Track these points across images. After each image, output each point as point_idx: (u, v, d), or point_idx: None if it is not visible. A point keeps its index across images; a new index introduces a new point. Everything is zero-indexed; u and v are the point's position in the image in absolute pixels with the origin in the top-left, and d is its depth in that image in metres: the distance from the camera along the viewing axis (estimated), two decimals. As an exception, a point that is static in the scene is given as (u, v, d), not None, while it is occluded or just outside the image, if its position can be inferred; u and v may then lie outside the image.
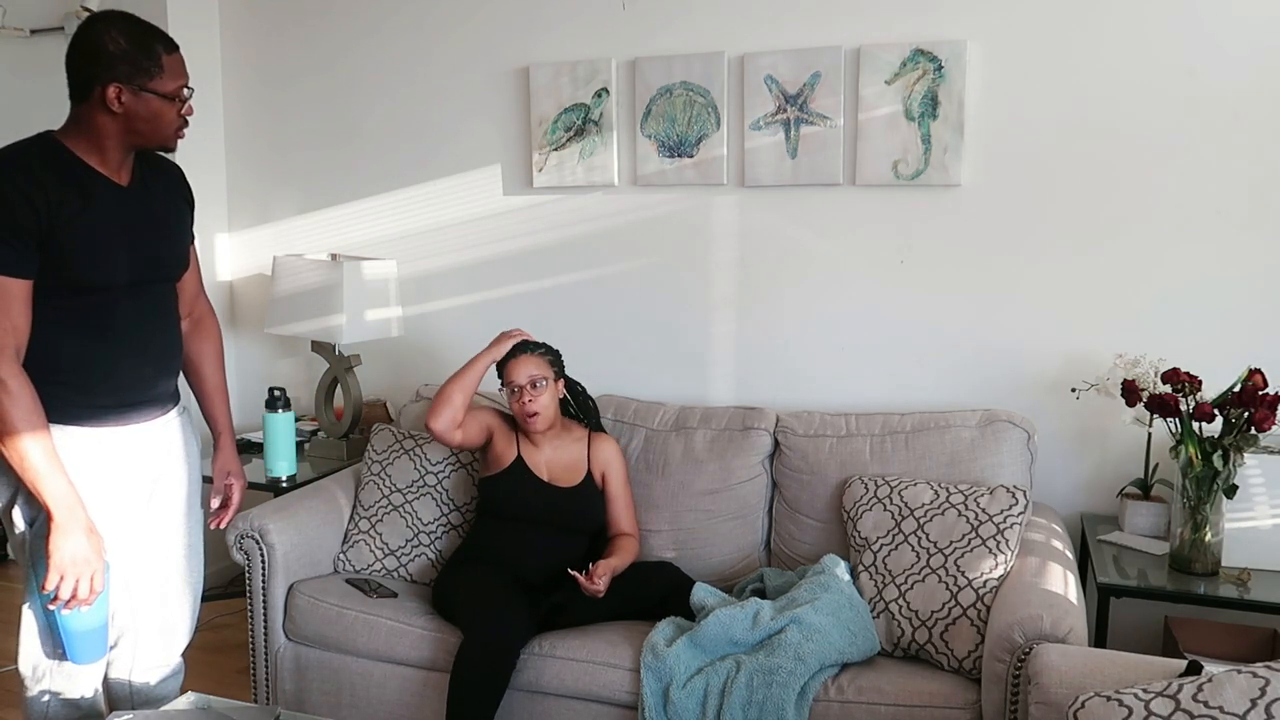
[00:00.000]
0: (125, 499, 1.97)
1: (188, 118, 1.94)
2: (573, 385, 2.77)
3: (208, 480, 2.27)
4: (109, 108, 1.82)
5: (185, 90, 1.91)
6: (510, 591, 2.40)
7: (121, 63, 1.81)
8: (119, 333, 1.92)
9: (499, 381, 2.65)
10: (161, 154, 2.03)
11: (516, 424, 2.67)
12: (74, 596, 1.82)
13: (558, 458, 2.65)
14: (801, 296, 3.00)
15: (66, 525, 1.80)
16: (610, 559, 2.50)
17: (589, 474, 2.65)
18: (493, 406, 2.76)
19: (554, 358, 2.65)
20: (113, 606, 2.00)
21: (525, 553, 2.53)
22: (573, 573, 2.40)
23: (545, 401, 2.57)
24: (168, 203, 2.04)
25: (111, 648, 2.06)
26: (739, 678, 2.13)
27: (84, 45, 1.83)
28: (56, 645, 1.94)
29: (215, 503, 2.24)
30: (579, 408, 2.77)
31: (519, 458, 2.62)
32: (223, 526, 2.27)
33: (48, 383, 1.84)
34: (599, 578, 2.39)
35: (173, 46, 1.89)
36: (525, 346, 2.63)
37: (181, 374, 2.20)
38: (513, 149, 3.26)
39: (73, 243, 1.81)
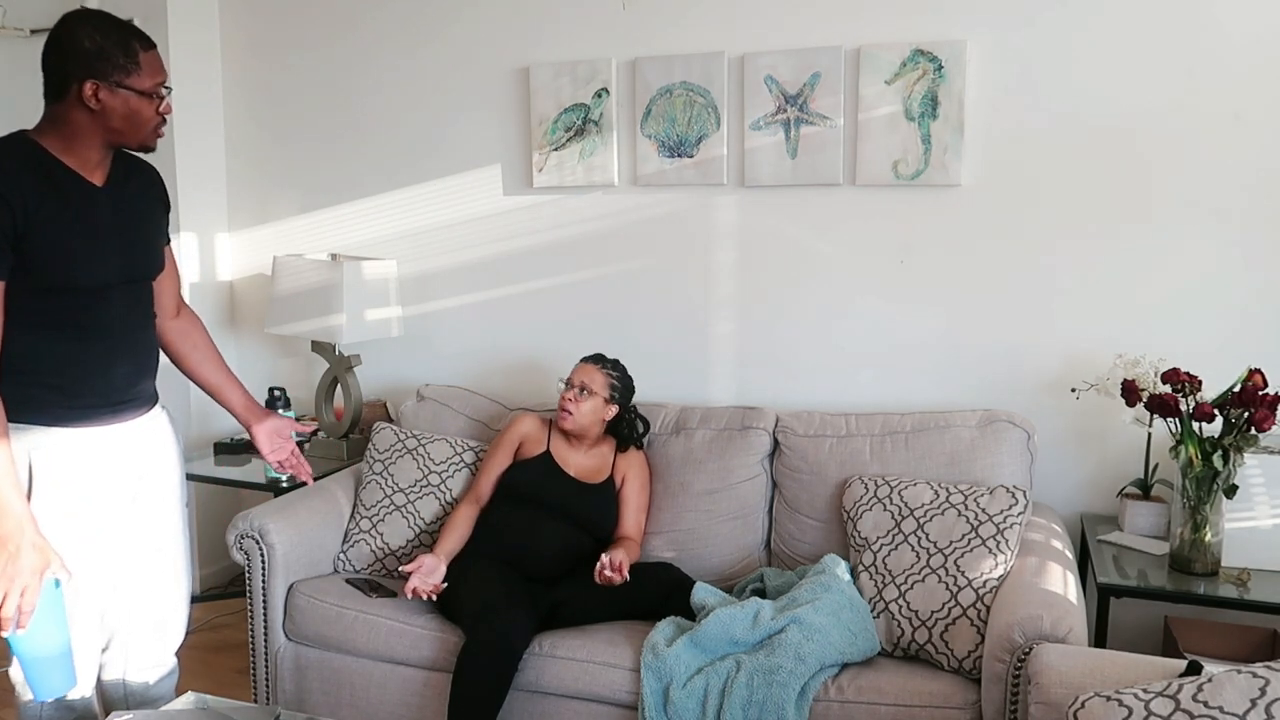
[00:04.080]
0: (110, 499, 1.95)
1: (166, 116, 1.91)
2: (633, 416, 2.78)
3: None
4: (86, 105, 1.80)
5: (163, 88, 1.88)
6: (513, 591, 2.40)
7: (98, 59, 1.79)
8: (98, 333, 1.90)
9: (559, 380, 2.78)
10: (138, 155, 2.00)
11: (551, 424, 2.75)
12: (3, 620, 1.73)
13: (586, 462, 2.72)
14: (801, 296, 3.00)
15: (5, 538, 1.73)
16: (617, 551, 2.49)
17: (611, 478, 2.70)
18: (515, 420, 2.79)
19: (617, 381, 2.71)
20: (101, 607, 1.98)
21: (535, 540, 2.55)
22: (603, 577, 2.36)
23: (584, 409, 2.65)
24: (143, 203, 2.01)
25: (103, 650, 2.05)
26: (739, 677, 2.13)
27: (60, 42, 1.81)
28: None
29: (290, 464, 2.27)
30: (623, 430, 2.77)
31: (548, 452, 2.70)
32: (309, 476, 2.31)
33: (29, 384, 1.82)
34: (618, 566, 2.37)
35: (150, 44, 1.86)
36: (597, 358, 2.73)
37: (191, 377, 2.21)
38: (513, 149, 3.26)
39: (49, 244, 1.79)
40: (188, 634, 2.21)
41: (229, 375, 2.25)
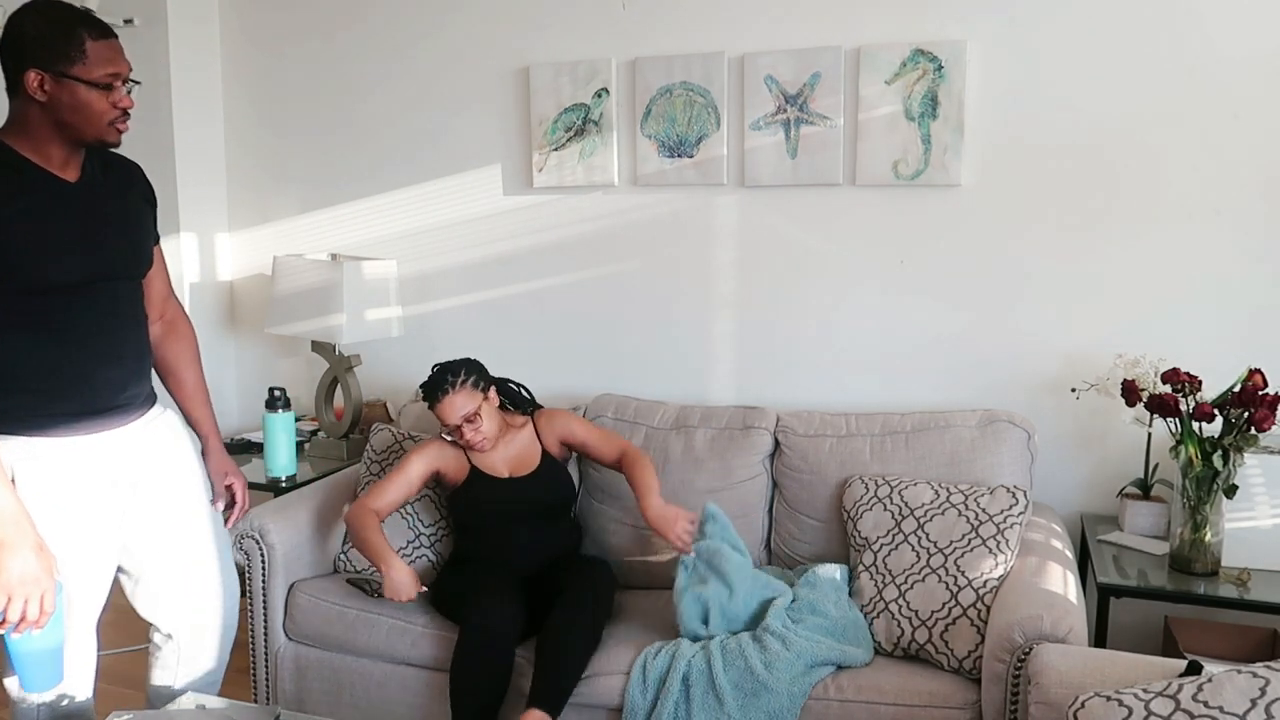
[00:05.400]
0: (100, 509, 1.89)
1: (127, 110, 1.83)
2: (502, 385, 2.72)
3: None
4: (33, 96, 1.74)
5: (118, 80, 1.79)
6: (504, 583, 2.41)
7: (39, 47, 1.72)
8: (80, 335, 1.83)
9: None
10: (116, 151, 1.93)
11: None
12: (23, 618, 1.72)
13: (511, 453, 2.63)
14: (801, 296, 3.00)
15: (13, 543, 1.69)
16: (646, 493, 2.45)
17: (544, 453, 2.64)
18: (424, 445, 2.62)
19: (476, 376, 2.53)
20: (97, 611, 1.96)
21: (514, 550, 2.54)
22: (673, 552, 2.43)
23: (486, 428, 2.52)
24: (121, 199, 1.94)
25: (157, 651, 2.06)
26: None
27: (7, 33, 1.76)
28: (10, 669, 1.86)
29: (220, 505, 2.17)
30: (513, 402, 2.74)
31: (473, 468, 2.59)
32: (230, 527, 2.20)
33: (9, 392, 1.78)
34: (682, 530, 2.39)
35: (103, 33, 1.78)
36: (444, 382, 2.49)
37: (165, 383, 2.14)
38: (513, 149, 3.26)
39: (17, 242, 1.74)
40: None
41: (200, 389, 2.16)
